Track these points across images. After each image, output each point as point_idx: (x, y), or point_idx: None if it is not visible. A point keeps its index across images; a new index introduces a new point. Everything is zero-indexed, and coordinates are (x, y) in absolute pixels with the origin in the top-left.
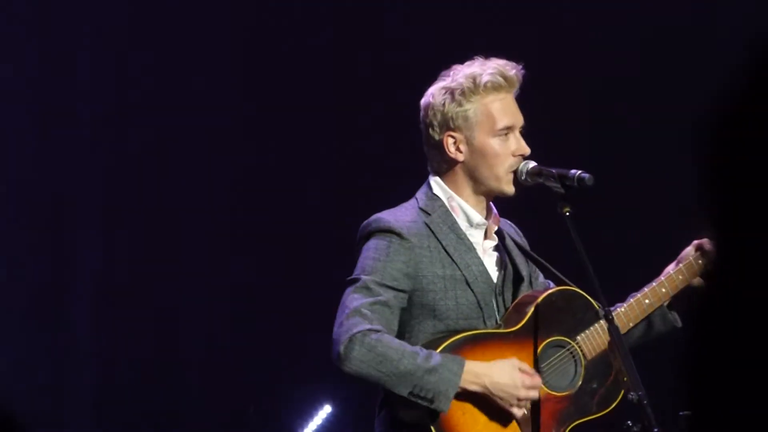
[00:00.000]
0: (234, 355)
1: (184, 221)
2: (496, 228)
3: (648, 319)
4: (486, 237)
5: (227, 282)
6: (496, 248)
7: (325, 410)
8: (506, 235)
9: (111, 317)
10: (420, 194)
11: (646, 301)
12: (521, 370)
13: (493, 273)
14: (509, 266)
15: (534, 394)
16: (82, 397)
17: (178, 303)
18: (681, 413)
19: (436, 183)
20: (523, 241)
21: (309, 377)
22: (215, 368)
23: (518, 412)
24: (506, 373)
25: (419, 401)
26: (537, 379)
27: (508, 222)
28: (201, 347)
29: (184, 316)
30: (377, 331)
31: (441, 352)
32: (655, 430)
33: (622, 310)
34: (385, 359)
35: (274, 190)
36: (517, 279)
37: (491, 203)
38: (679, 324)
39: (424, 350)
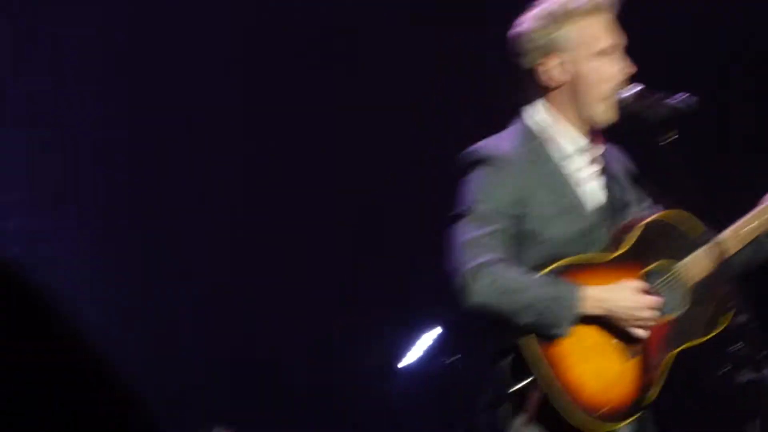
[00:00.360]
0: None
1: None
2: (600, 153)
3: (754, 244)
4: (591, 162)
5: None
6: (601, 173)
7: (435, 332)
8: (612, 161)
9: None
10: (523, 120)
11: (751, 225)
12: (643, 292)
13: (599, 198)
14: (615, 191)
15: (656, 314)
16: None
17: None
18: None
19: (537, 110)
20: (631, 165)
21: (419, 300)
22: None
23: (642, 333)
24: (628, 296)
25: (541, 328)
26: (660, 300)
27: (615, 147)
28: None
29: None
30: (496, 261)
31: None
32: (765, 352)
33: (728, 234)
34: (507, 289)
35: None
36: (623, 204)
37: (595, 128)
38: None
39: (544, 278)
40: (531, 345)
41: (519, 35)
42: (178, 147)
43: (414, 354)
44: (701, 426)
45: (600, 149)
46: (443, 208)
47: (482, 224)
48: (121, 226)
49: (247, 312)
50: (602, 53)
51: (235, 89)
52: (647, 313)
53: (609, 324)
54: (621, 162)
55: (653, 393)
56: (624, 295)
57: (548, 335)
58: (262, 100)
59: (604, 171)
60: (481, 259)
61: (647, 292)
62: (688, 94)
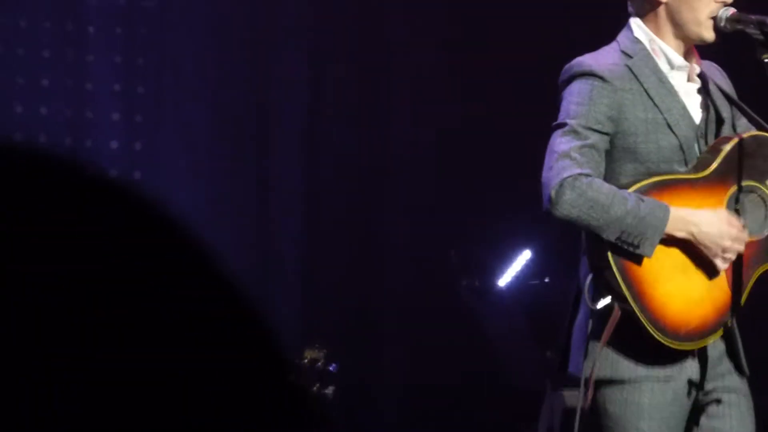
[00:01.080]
0: (437, 200)
1: None
2: (698, 71)
3: None
4: (688, 80)
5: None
6: (699, 91)
7: (525, 255)
8: (709, 79)
9: None
10: (621, 37)
11: None
12: (729, 223)
13: (696, 115)
14: (711, 109)
15: (740, 247)
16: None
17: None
18: None
19: (637, 26)
20: (729, 84)
21: (510, 223)
22: (419, 211)
23: (722, 264)
24: (714, 224)
25: (625, 246)
26: (744, 234)
27: (714, 65)
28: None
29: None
30: (587, 175)
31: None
32: None
33: None
34: (595, 204)
35: None
36: (719, 122)
37: (694, 47)
38: None
39: (633, 195)
40: (617, 262)
41: None
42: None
43: (510, 274)
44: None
45: (698, 67)
46: (537, 134)
47: (575, 138)
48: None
49: (351, 241)
50: None
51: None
52: (729, 243)
53: (692, 246)
54: (720, 81)
55: (736, 312)
56: (710, 222)
57: (633, 253)
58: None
59: (702, 89)
60: (571, 172)
61: (733, 221)
62: None
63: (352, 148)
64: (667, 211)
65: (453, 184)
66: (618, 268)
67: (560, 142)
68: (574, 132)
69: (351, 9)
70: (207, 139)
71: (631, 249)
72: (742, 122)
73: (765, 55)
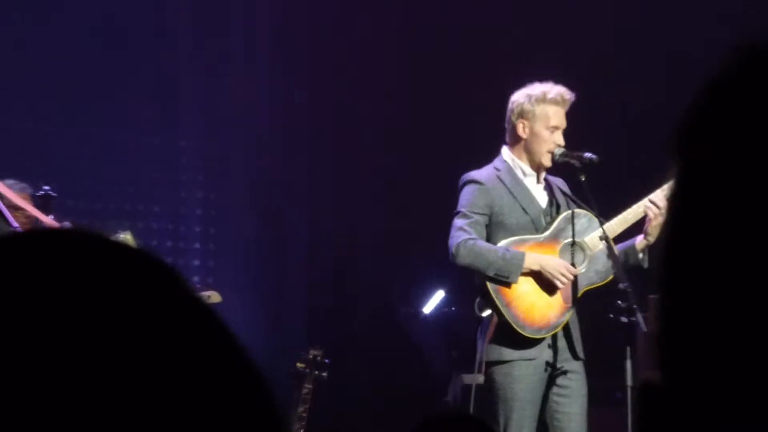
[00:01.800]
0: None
1: None
2: (542, 177)
3: (627, 252)
4: (537, 182)
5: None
6: (544, 189)
7: (440, 293)
8: (552, 184)
9: None
10: (495, 160)
11: (626, 217)
12: (561, 262)
13: (542, 202)
14: (552, 200)
15: (569, 275)
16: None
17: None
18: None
19: (506, 152)
20: (565, 188)
21: (429, 268)
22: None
23: (559, 284)
24: (552, 262)
25: (501, 278)
26: (573, 269)
27: (558, 179)
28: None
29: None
30: (474, 239)
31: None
32: (635, 306)
33: (611, 223)
34: (479, 255)
35: None
36: (557, 206)
37: (540, 167)
38: (646, 265)
39: (502, 248)
40: (493, 288)
41: (512, 101)
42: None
43: (431, 305)
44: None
45: (542, 176)
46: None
47: (465, 218)
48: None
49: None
50: (550, 128)
51: None
52: (564, 271)
53: (540, 275)
54: (561, 185)
55: (569, 315)
56: (550, 261)
57: (505, 282)
58: None
59: (545, 188)
60: (463, 237)
61: (562, 261)
62: (592, 154)
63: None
64: (523, 255)
65: (398, 233)
66: (493, 291)
67: (456, 221)
68: (465, 215)
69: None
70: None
71: (504, 279)
72: (570, 207)
73: (582, 175)
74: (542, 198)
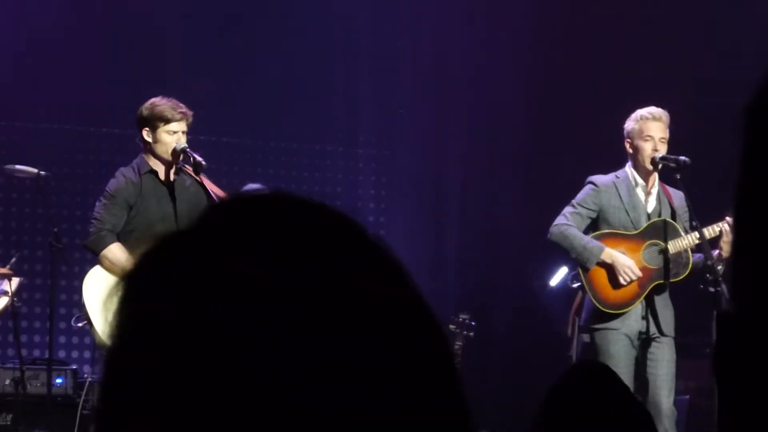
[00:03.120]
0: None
1: None
2: (651, 188)
3: (706, 258)
4: (648, 191)
5: None
6: (655, 197)
7: (563, 270)
8: (668, 194)
9: None
10: (620, 170)
11: (703, 235)
12: (627, 260)
13: (648, 207)
14: (659, 207)
15: (633, 275)
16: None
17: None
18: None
19: (627, 165)
20: (680, 201)
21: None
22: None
23: (622, 280)
24: (623, 259)
25: (580, 262)
26: (637, 271)
27: (680, 192)
28: None
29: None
30: (568, 225)
31: (593, 238)
32: (719, 278)
33: (688, 237)
34: (566, 238)
35: None
36: (659, 213)
37: (650, 175)
38: (719, 274)
39: (587, 238)
40: (581, 268)
41: (624, 128)
42: None
43: (556, 279)
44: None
45: (651, 187)
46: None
47: (572, 208)
48: None
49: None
50: (646, 138)
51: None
52: (629, 270)
53: (613, 269)
54: (675, 196)
55: (639, 300)
56: (622, 258)
57: (585, 266)
58: None
59: (653, 199)
60: (562, 221)
61: (642, 253)
62: (685, 157)
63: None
64: (602, 248)
65: (534, 221)
66: (582, 271)
67: (566, 208)
68: (573, 206)
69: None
70: None
71: (584, 264)
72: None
73: (677, 175)
74: (650, 204)
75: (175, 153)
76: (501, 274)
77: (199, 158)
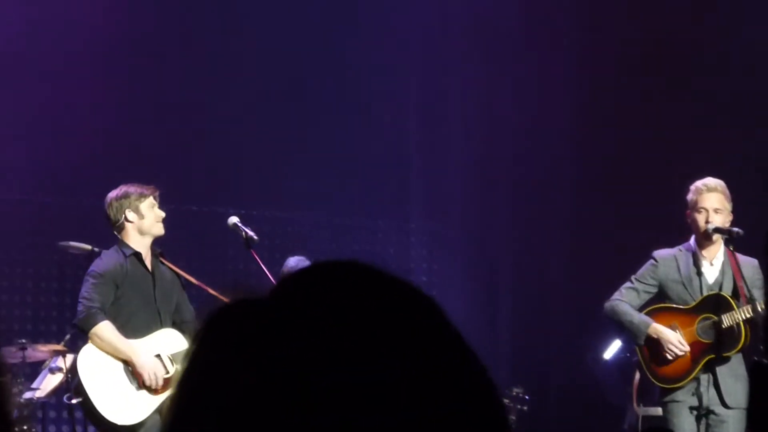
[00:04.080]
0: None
1: None
2: (712, 259)
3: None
4: (711, 264)
5: None
6: (718, 268)
7: (617, 342)
8: (732, 263)
9: None
10: (685, 243)
11: (758, 305)
12: (675, 336)
13: (709, 278)
14: (719, 279)
15: (679, 351)
16: None
17: None
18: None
19: (693, 239)
20: (749, 271)
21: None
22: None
23: (669, 355)
24: (669, 335)
25: (632, 337)
26: (684, 347)
27: (751, 260)
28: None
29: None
30: (620, 300)
31: (647, 313)
32: None
33: (740, 310)
34: (616, 314)
35: None
36: (720, 285)
37: (710, 245)
38: None
39: (637, 314)
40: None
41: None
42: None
43: (610, 351)
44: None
45: (710, 257)
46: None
47: (629, 283)
48: None
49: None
50: (699, 209)
51: None
52: (674, 347)
53: (659, 344)
54: (744, 264)
55: (694, 374)
56: (668, 334)
57: (636, 342)
58: None
59: (715, 270)
60: (615, 297)
61: (695, 327)
62: (738, 228)
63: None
64: (648, 324)
65: (587, 294)
66: (638, 348)
67: (624, 283)
68: (630, 281)
69: None
70: None
71: (635, 340)
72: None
73: (731, 245)
74: (711, 275)
75: (159, 227)
76: (554, 347)
77: (250, 233)
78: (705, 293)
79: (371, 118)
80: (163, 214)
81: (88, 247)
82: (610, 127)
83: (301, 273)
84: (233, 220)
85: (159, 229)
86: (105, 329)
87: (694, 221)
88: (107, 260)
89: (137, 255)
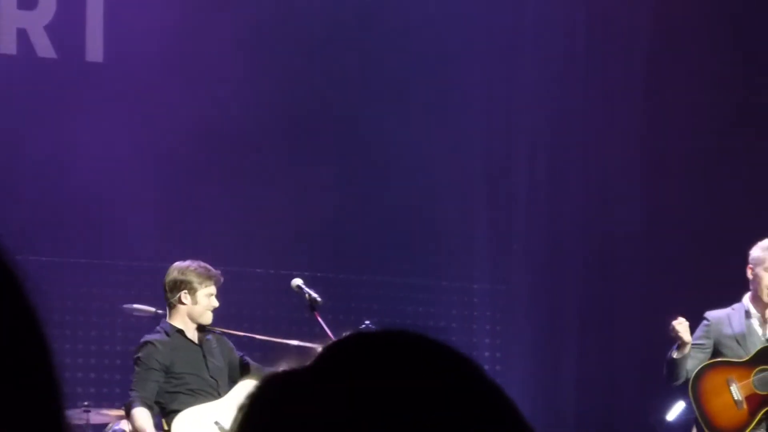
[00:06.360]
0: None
1: None
2: (766, 314)
3: None
4: (762, 323)
5: None
6: (760, 327)
7: (680, 404)
8: None
9: None
10: (740, 302)
11: None
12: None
13: (761, 335)
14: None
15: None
16: None
17: None
18: None
19: (746, 297)
20: None
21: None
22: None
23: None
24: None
25: (674, 378)
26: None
27: None
28: None
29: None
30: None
31: (703, 368)
32: None
33: None
34: (671, 372)
35: None
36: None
37: (762, 304)
38: None
39: (684, 371)
40: (691, 393)
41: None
42: None
43: (673, 413)
44: None
45: (765, 318)
46: None
47: (694, 345)
48: None
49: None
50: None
51: None
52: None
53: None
54: None
55: (751, 427)
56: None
57: (676, 378)
58: None
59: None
60: (669, 353)
61: (753, 379)
62: None
63: None
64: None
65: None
66: (693, 399)
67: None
68: (693, 344)
69: None
70: None
71: (675, 376)
72: None
73: None
74: (766, 329)
75: (208, 316)
76: (618, 409)
77: (314, 294)
78: (759, 346)
79: (436, 179)
80: (216, 305)
81: (152, 309)
82: (676, 182)
83: (341, 344)
84: (296, 282)
85: (207, 319)
86: (137, 416)
87: (758, 279)
88: (149, 346)
89: (180, 332)
